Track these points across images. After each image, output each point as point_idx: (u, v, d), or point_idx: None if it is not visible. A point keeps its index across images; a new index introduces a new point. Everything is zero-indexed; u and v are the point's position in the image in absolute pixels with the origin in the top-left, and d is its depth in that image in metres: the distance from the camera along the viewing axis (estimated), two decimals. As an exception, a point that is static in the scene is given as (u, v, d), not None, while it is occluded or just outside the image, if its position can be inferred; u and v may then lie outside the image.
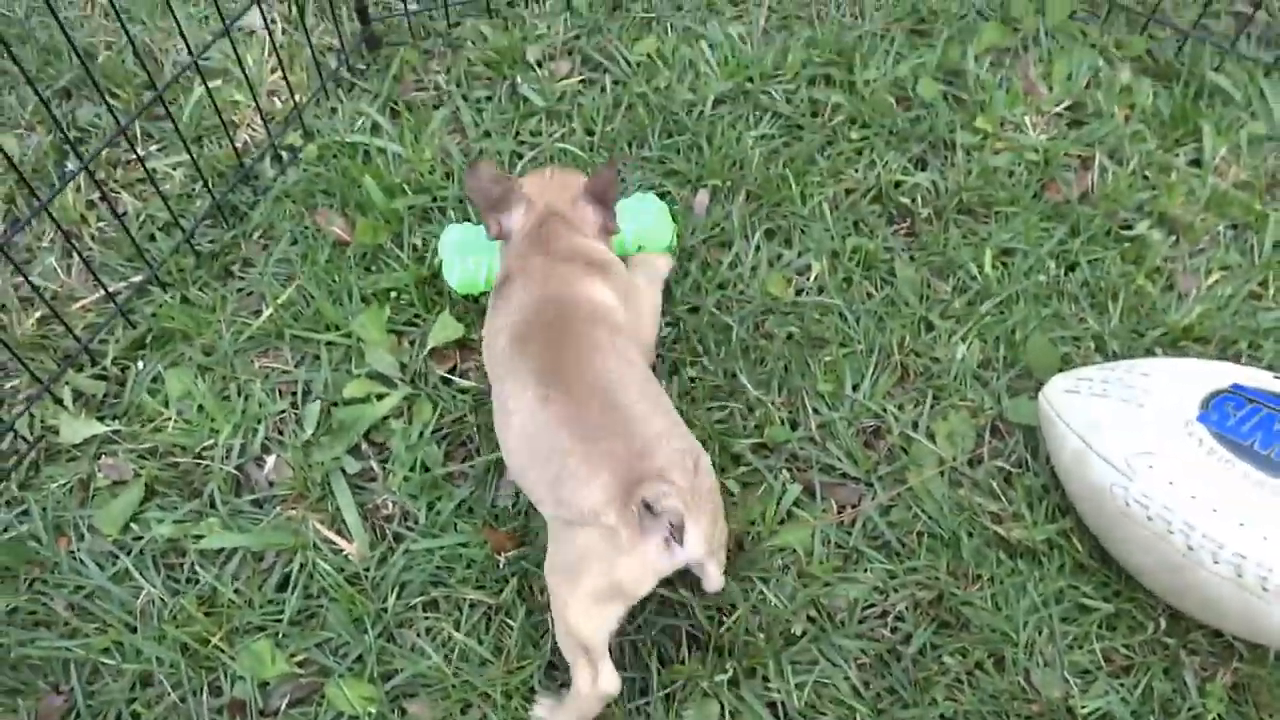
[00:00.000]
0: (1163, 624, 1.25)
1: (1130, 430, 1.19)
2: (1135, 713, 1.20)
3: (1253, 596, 1.10)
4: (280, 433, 1.40)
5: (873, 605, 1.27)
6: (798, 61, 1.78)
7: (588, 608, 1.06)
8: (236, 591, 1.27)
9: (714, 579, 1.20)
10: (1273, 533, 1.08)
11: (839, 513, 1.34)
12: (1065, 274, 1.56)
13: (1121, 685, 1.22)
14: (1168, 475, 1.15)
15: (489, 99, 1.79)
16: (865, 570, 1.30)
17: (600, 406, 1.09)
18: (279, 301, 1.51)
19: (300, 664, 1.23)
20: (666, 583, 1.25)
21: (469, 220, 1.58)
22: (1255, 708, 1.22)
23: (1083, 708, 1.20)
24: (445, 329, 1.46)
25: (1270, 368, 1.45)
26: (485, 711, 1.19)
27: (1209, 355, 1.47)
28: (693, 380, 1.44)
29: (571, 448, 1.07)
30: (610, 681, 1.11)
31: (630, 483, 1.02)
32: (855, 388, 1.44)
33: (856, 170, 1.66)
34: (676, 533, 1.03)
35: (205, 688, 1.21)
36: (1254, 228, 1.60)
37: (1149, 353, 1.47)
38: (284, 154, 1.71)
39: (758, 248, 1.57)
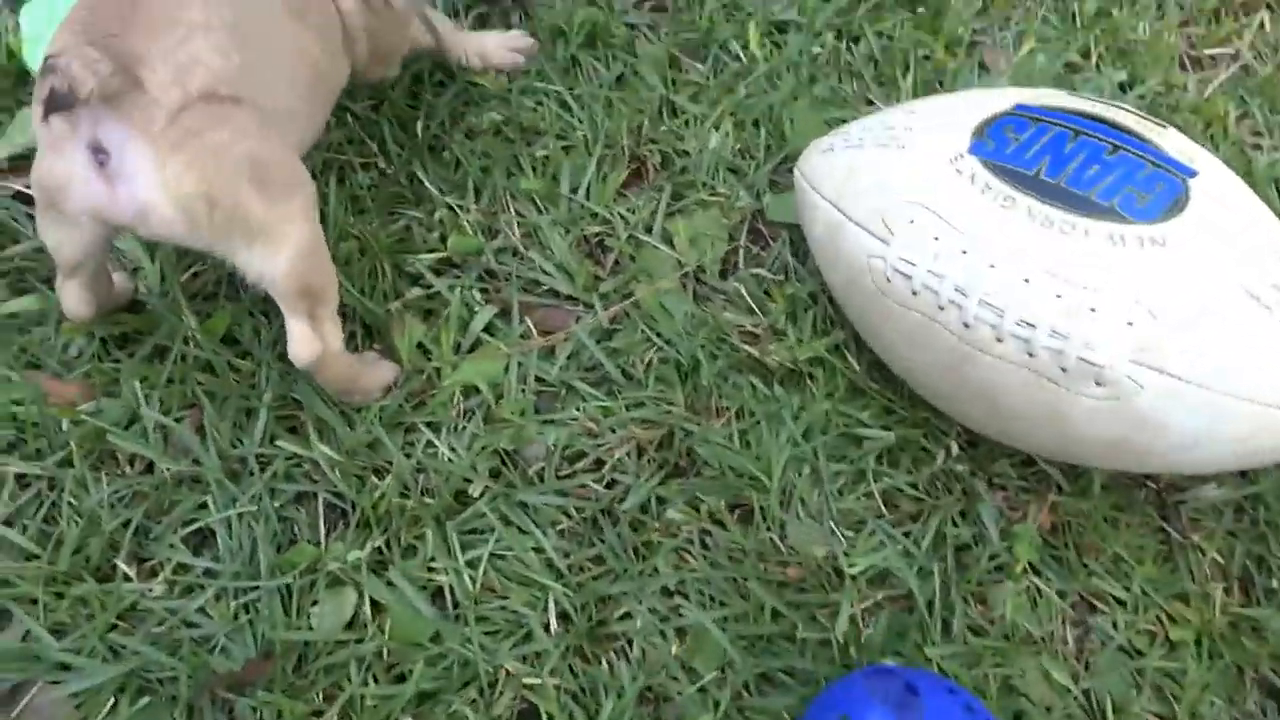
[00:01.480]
0: (954, 450, 0.97)
1: (889, 180, 0.90)
2: (921, 569, 0.91)
3: (1050, 383, 0.81)
4: None
5: (583, 454, 0.96)
6: None
7: (40, 211, 0.84)
8: None
9: (297, 340, 0.87)
10: (1065, 288, 0.79)
11: (545, 338, 1.02)
12: (848, 47, 1.26)
13: (906, 535, 0.93)
14: (932, 229, 0.85)
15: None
16: (576, 410, 0.98)
17: None
18: None
19: None
20: (291, 430, 0.92)
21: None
22: (1076, 551, 0.94)
23: (852, 566, 0.91)
24: (26, 132, 1.10)
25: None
26: (21, 616, 0.85)
27: (1022, 133, 1.19)
28: (365, 188, 1.10)
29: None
30: (70, 304, 0.92)
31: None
32: (575, 190, 1.12)
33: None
34: (99, 152, 0.75)
35: None
36: (1076, -14, 1.32)
37: (949, 134, 1.18)
38: None
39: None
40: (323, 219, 0.89)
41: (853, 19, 1.28)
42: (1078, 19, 1.30)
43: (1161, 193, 0.81)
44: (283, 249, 0.82)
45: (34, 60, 1.12)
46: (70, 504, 0.90)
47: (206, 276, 1.04)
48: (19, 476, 0.92)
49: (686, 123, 1.18)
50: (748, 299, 1.06)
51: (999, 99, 0.91)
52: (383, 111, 1.16)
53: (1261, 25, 1.34)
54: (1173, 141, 0.86)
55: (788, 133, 1.16)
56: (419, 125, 1.15)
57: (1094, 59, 1.27)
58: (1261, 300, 0.79)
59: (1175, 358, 0.78)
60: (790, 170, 1.11)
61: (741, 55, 1.24)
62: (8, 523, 0.89)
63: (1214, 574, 0.94)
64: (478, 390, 0.98)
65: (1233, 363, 0.78)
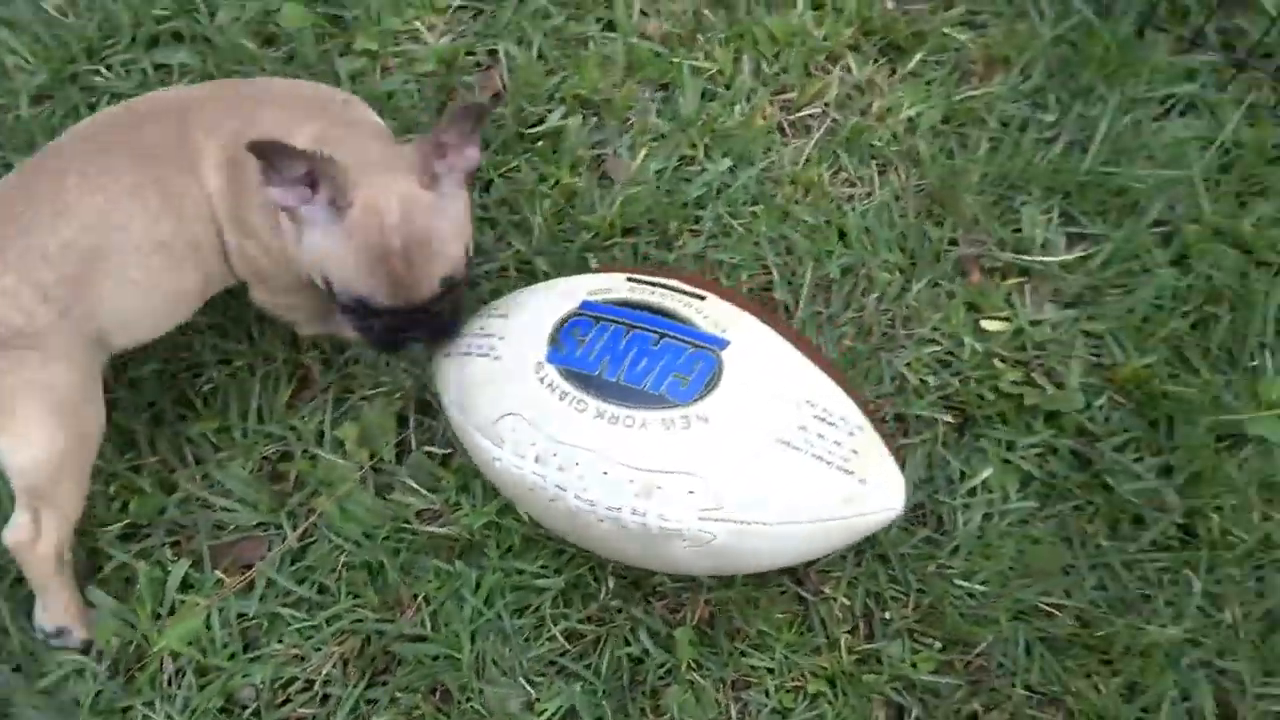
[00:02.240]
0: (611, 584, 1.13)
1: (491, 391, 1.03)
2: (604, 690, 1.08)
3: (650, 541, 0.97)
4: None
5: (294, 679, 1.08)
6: (130, 24, 1.47)
7: None
8: None
9: (10, 524, 1.04)
10: (636, 475, 0.95)
11: (243, 573, 1.13)
12: (482, 194, 1.37)
13: (588, 667, 1.09)
14: (528, 436, 0.99)
15: None
16: (280, 640, 1.09)
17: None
18: None
19: None
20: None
21: None
22: (730, 639, 1.11)
23: (541, 714, 1.06)
24: None
25: (667, 243, 1.32)
26: None
27: (644, 246, 1.33)
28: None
29: None
30: None
31: None
32: (245, 414, 1.21)
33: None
34: None
35: None
36: (676, 84, 1.45)
37: (580, 261, 1.31)
38: None
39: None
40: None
41: (480, 167, 1.38)
42: (682, 116, 1.43)
43: (700, 371, 0.97)
44: (20, 451, 0.98)
45: None
46: None
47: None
48: None
49: (337, 319, 1.27)
50: (422, 481, 1.18)
51: (571, 293, 1.04)
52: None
53: (848, 69, 1.50)
54: (711, 309, 1.01)
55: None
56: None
57: (701, 151, 1.41)
58: (791, 444, 0.96)
59: (733, 508, 0.95)
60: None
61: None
62: None
63: (844, 617, 1.13)
64: (189, 647, 1.08)
65: (778, 500, 0.95)
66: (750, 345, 0.99)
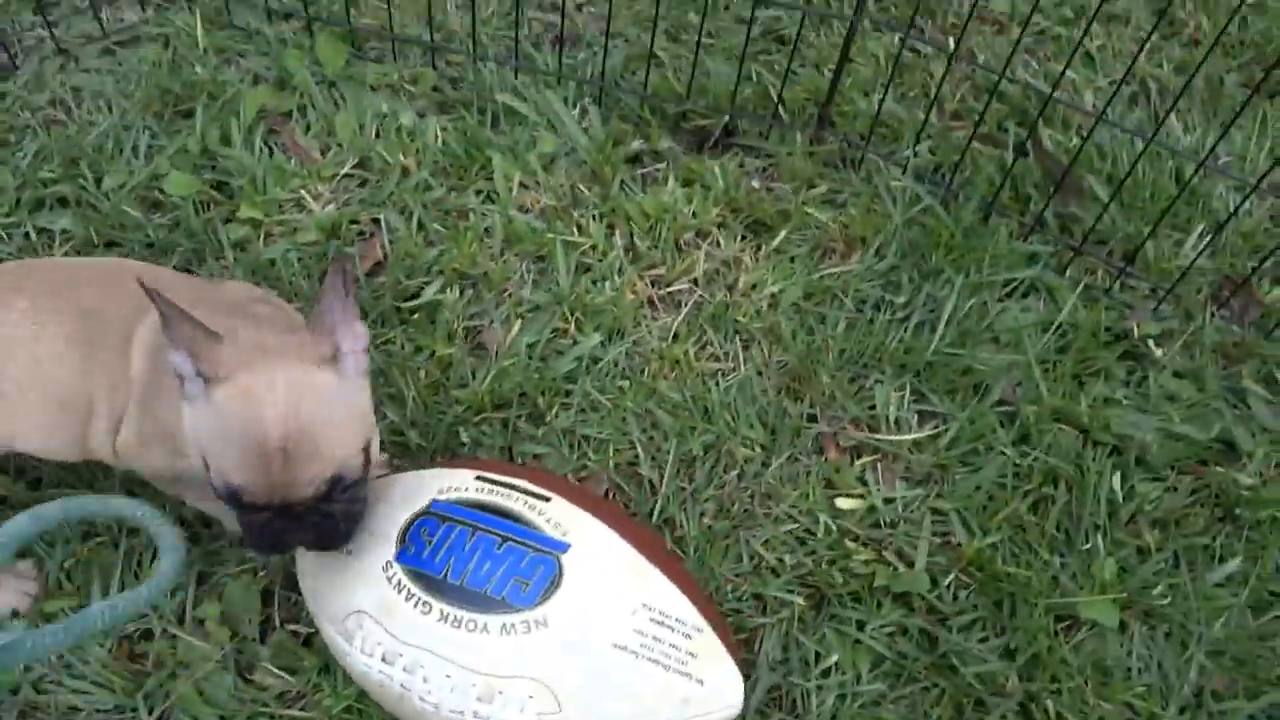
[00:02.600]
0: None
1: (342, 585, 1.06)
2: None
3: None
4: None
5: None
6: (14, 186, 1.50)
7: None
8: None
9: None
10: (478, 679, 0.98)
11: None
12: (359, 369, 1.41)
13: None
14: (375, 636, 1.02)
15: None
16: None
17: None
18: None
19: None
20: None
21: None
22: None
23: None
24: None
25: (539, 417, 1.37)
26: None
27: (515, 420, 1.38)
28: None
29: None
30: None
31: None
32: (106, 591, 1.22)
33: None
34: None
35: None
36: (551, 258, 1.52)
37: (451, 435, 1.36)
38: None
39: None
40: None
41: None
42: (558, 289, 1.50)
43: (540, 575, 1.01)
44: None
45: None
46: None
47: None
48: None
49: (204, 496, 1.29)
50: (283, 662, 1.19)
51: (422, 493, 1.08)
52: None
53: (716, 243, 1.59)
54: (554, 511, 1.06)
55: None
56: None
57: (573, 324, 1.47)
58: (629, 648, 1.00)
59: (572, 712, 0.98)
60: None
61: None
62: None
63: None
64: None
65: (616, 703, 0.99)
66: (590, 549, 1.04)
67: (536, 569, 1.01)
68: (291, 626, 1.23)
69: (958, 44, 1.56)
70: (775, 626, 1.26)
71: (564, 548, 1.03)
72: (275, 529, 0.99)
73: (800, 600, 1.28)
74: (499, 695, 0.98)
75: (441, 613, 1.00)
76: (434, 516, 1.05)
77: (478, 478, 1.09)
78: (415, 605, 1.01)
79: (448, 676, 0.99)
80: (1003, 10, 1.96)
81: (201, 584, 1.24)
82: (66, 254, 1.47)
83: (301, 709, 1.17)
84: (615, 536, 1.06)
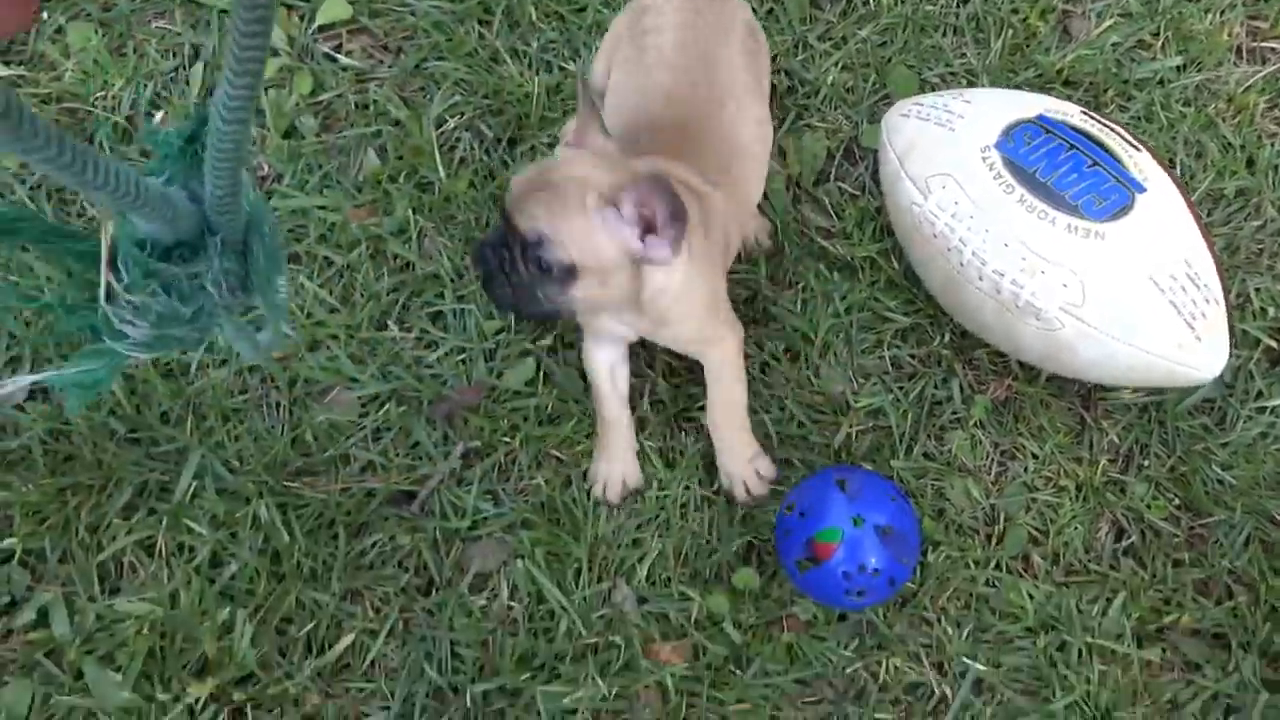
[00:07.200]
0: (947, 338, 1.43)
1: (937, 153, 1.31)
2: (904, 411, 1.40)
3: (1007, 311, 1.26)
4: (169, 91, 1.55)
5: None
6: None
7: None
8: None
9: None
10: (1029, 255, 1.22)
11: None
12: (959, 6, 1.61)
13: (900, 388, 1.41)
14: (954, 196, 1.27)
15: None
16: (691, 267, 1.46)
17: None
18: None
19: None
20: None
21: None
22: (1015, 420, 1.41)
23: (857, 402, 1.40)
24: (335, 7, 1.57)
25: (1097, 108, 1.53)
26: (329, 345, 1.41)
27: (1079, 100, 1.55)
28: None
29: None
30: None
31: None
32: (719, 100, 1.55)
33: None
34: None
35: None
36: (1162, -25, 1.62)
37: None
38: None
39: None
40: None
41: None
42: (1159, 3, 1.60)
43: (1114, 200, 1.22)
44: None
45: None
46: (360, 282, 1.44)
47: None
48: (325, 258, 1.46)
49: (813, 58, 1.57)
50: (830, 205, 1.50)
51: (1030, 105, 1.30)
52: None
53: (1325, 23, 1.62)
54: (1142, 161, 1.25)
55: (889, 81, 1.55)
56: None
57: (1160, 43, 1.59)
58: (1159, 285, 1.21)
59: (1089, 311, 1.21)
60: (884, 105, 1.52)
61: (871, 2, 1.61)
62: (321, 285, 1.44)
63: (1109, 448, 1.40)
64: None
65: (1126, 320, 1.21)
66: (1161, 200, 1.23)
67: (1112, 195, 1.22)
68: (840, 184, 1.52)
69: None
70: (1237, 361, 1.43)
71: (1141, 189, 1.23)
72: (479, 257, 1.13)
73: (1271, 343, 1.43)
74: (1040, 274, 1.22)
75: (1021, 197, 1.24)
76: (1039, 126, 1.27)
77: (1083, 111, 1.29)
78: (999, 184, 1.25)
79: (1005, 245, 1.24)
80: None
81: (796, 122, 1.54)
82: None
83: (831, 243, 1.48)
84: (1183, 203, 1.24)
